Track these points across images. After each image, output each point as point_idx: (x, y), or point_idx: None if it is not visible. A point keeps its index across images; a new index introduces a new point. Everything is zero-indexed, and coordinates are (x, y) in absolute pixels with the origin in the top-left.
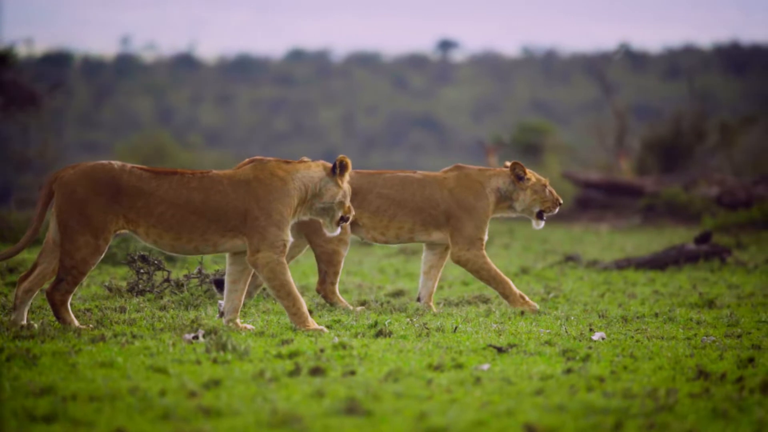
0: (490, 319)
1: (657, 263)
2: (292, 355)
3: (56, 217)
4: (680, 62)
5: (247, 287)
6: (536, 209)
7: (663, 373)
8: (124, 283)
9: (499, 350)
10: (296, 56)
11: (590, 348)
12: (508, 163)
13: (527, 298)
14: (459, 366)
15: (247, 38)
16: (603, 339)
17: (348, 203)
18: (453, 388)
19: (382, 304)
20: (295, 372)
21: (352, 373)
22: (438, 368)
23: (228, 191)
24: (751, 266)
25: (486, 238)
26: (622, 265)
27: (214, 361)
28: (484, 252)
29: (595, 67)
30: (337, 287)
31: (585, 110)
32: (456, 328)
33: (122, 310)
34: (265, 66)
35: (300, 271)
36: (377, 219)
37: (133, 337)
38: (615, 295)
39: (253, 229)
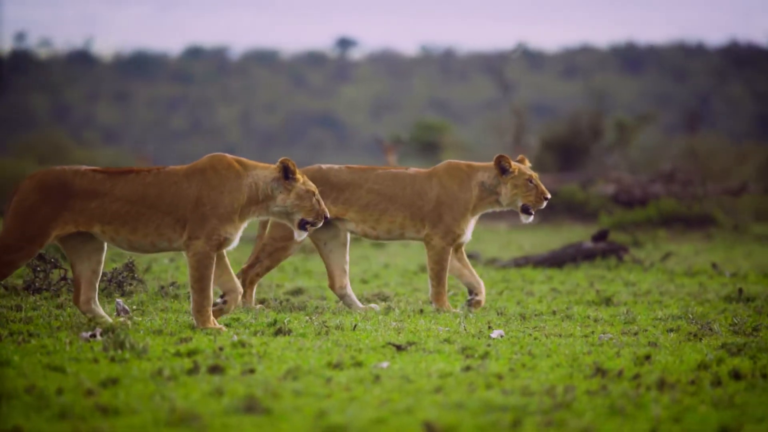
0: (390, 317)
1: (555, 261)
2: (190, 354)
3: (5, 217)
4: (577, 62)
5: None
6: (519, 203)
7: (561, 370)
8: (20, 281)
9: (399, 348)
10: (194, 54)
11: (489, 346)
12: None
13: (449, 305)
14: (358, 364)
15: (144, 35)
16: (501, 336)
17: (310, 206)
18: (352, 386)
19: (281, 303)
20: (193, 370)
21: (252, 371)
22: (337, 366)
23: (182, 181)
24: (647, 264)
25: (464, 234)
26: (520, 263)
27: (112, 359)
28: (450, 249)
29: (493, 65)
30: (260, 279)
31: (483, 109)
32: (355, 326)
33: (18, 308)
34: (162, 63)
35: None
36: (368, 213)
37: (30, 335)
38: (513, 293)
39: (197, 215)
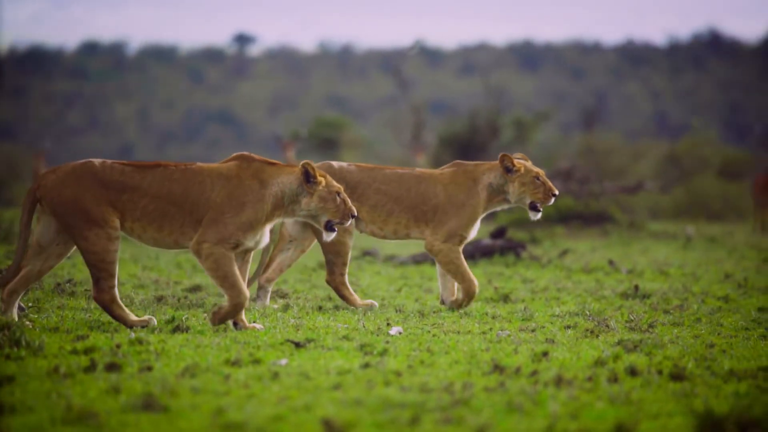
0: (288, 314)
1: None
2: (87, 351)
3: (58, 223)
4: (475, 59)
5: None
6: (527, 201)
7: (459, 367)
8: None
9: (297, 345)
10: (90, 49)
11: (387, 342)
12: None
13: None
14: (257, 361)
15: (40, 30)
16: (400, 333)
17: (335, 207)
18: (250, 384)
19: (179, 300)
20: (90, 368)
21: (149, 368)
22: (235, 363)
23: (207, 183)
24: (545, 261)
25: (471, 235)
26: (418, 259)
27: (7, 357)
28: (459, 248)
29: (391, 62)
30: (346, 278)
31: (381, 105)
32: (254, 323)
33: None
34: (58, 59)
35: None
36: (375, 214)
37: None
38: (412, 290)
39: (216, 218)
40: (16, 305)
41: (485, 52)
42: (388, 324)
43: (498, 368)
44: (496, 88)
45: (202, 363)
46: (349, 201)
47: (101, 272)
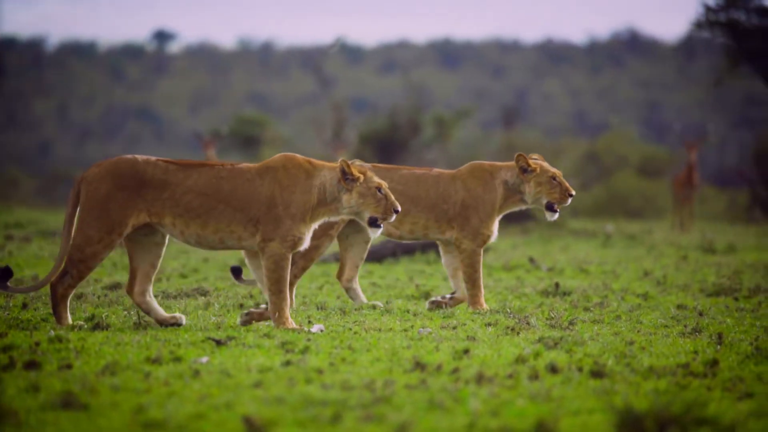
0: (209, 311)
1: (374, 255)
2: (6, 349)
3: (79, 212)
4: (395, 57)
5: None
6: (544, 201)
7: (380, 364)
8: None
9: (218, 343)
10: (8, 45)
11: (309, 340)
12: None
13: (487, 306)
14: (177, 359)
15: None
16: (322, 331)
17: (375, 203)
18: (171, 381)
19: (99, 297)
20: (9, 366)
21: (69, 366)
22: (156, 361)
23: (255, 179)
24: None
25: (493, 234)
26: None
27: None
28: (481, 251)
29: (312, 60)
30: (296, 282)
31: (302, 103)
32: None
33: None
34: None
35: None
36: None
37: None
38: (333, 288)
39: (270, 216)
40: (155, 301)
41: (406, 49)
42: (309, 321)
43: (419, 366)
44: (417, 86)
45: (123, 361)
46: (391, 196)
47: (74, 269)
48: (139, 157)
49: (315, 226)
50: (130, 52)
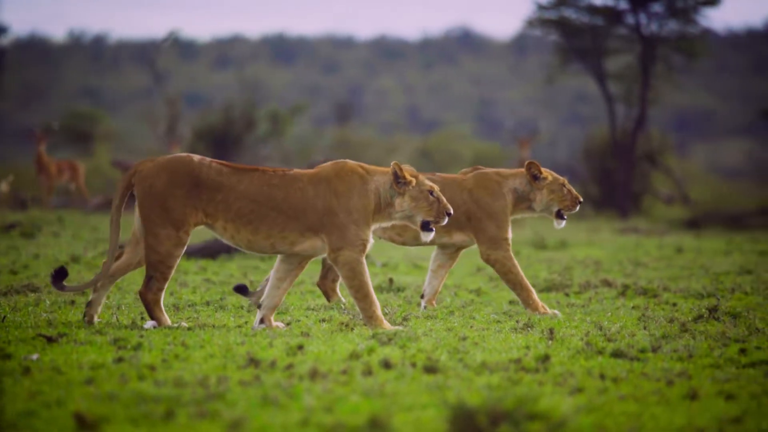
0: (40, 308)
1: (208, 251)
2: None
3: (138, 211)
4: (229, 52)
5: (289, 288)
6: (555, 208)
7: (214, 360)
8: None
9: (49, 340)
10: None
11: (142, 337)
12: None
13: (546, 307)
14: (7, 356)
15: None
16: (155, 327)
17: (428, 206)
18: (1, 379)
19: None
20: None
21: None
22: None
23: (308, 188)
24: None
25: (510, 237)
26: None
27: None
28: (511, 254)
29: (145, 54)
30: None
31: (136, 98)
32: (4, 317)
33: None
34: None
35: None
36: None
37: None
38: (168, 283)
39: (333, 225)
40: (108, 291)
41: (239, 45)
42: (142, 318)
43: (253, 362)
44: (251, 81)
45: None
46: (443, 199)
47: (156, 272)
48: (194, 156)
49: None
50: None
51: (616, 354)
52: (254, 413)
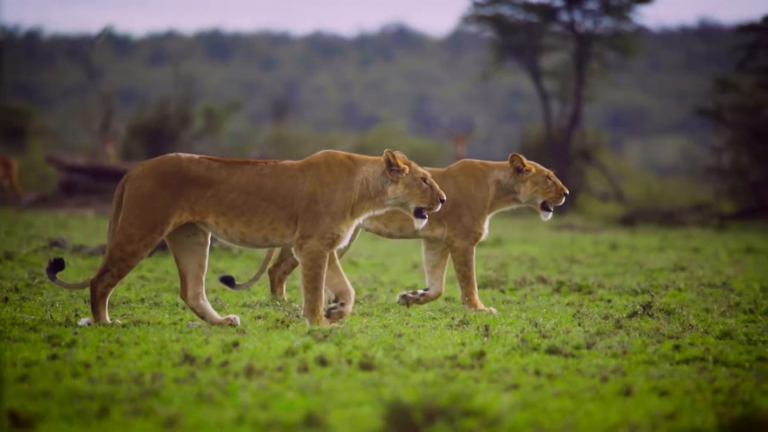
0: None
1: None
2: None
3: (122, 211)
4: (164, 48)
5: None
6: (539, 201)
7: (149, 357)
8: None
9: None
10: None
11: (76, 334)
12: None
13: (483, 306)
14: None
15: None
16: (89, 324)
17: (421, 193)
18: None
19: None
20: None
21: None
22: None
23: (297, 176)
24: (236, 251)
25: (484, 233)
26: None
27: None
28: (474, 248)
29: (79, 50)
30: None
31: (70, 94)
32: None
33: None
34: None
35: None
36: None
37: None
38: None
39: (309, 212)
40: (207, 305)
41: (174, 40)
42: (77, 315)
43: (188, 359)
44: (186, 78)
45: None
46: (436, 186)
47: (114, 268)
48: (183, 155)
49: (359, 221)
50: None
51: (551, 350)
52: (189, 410)
